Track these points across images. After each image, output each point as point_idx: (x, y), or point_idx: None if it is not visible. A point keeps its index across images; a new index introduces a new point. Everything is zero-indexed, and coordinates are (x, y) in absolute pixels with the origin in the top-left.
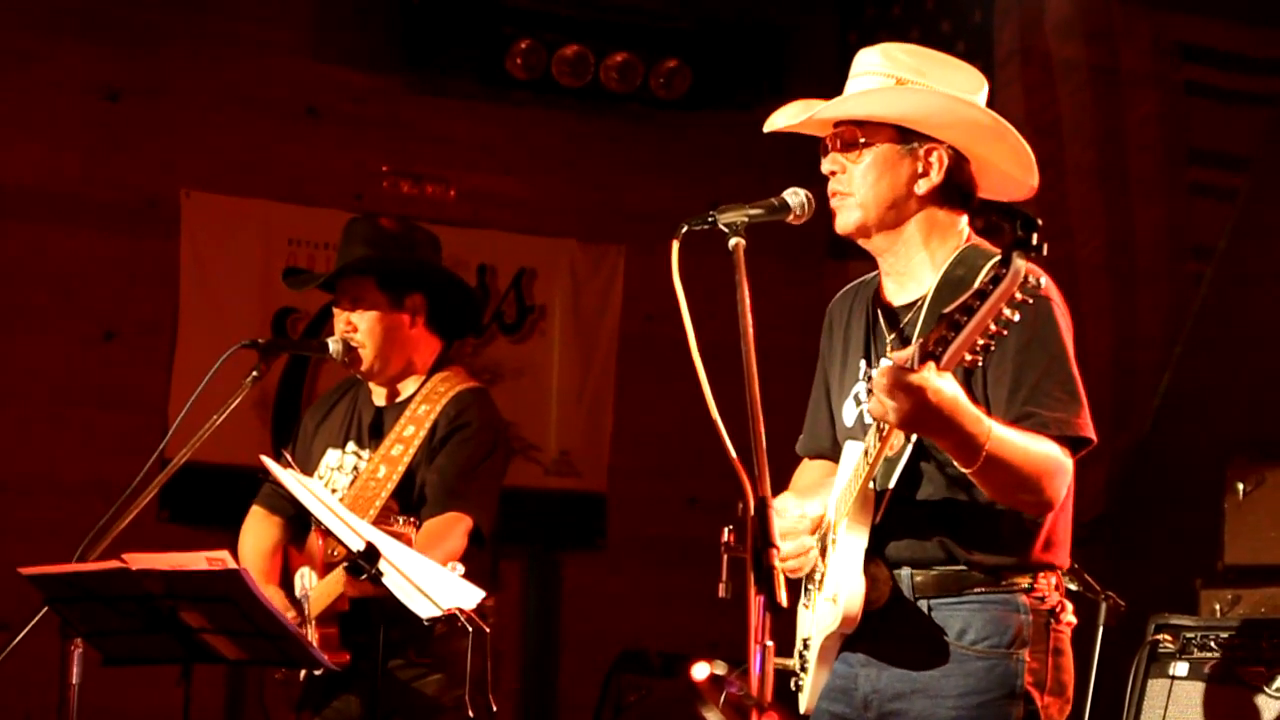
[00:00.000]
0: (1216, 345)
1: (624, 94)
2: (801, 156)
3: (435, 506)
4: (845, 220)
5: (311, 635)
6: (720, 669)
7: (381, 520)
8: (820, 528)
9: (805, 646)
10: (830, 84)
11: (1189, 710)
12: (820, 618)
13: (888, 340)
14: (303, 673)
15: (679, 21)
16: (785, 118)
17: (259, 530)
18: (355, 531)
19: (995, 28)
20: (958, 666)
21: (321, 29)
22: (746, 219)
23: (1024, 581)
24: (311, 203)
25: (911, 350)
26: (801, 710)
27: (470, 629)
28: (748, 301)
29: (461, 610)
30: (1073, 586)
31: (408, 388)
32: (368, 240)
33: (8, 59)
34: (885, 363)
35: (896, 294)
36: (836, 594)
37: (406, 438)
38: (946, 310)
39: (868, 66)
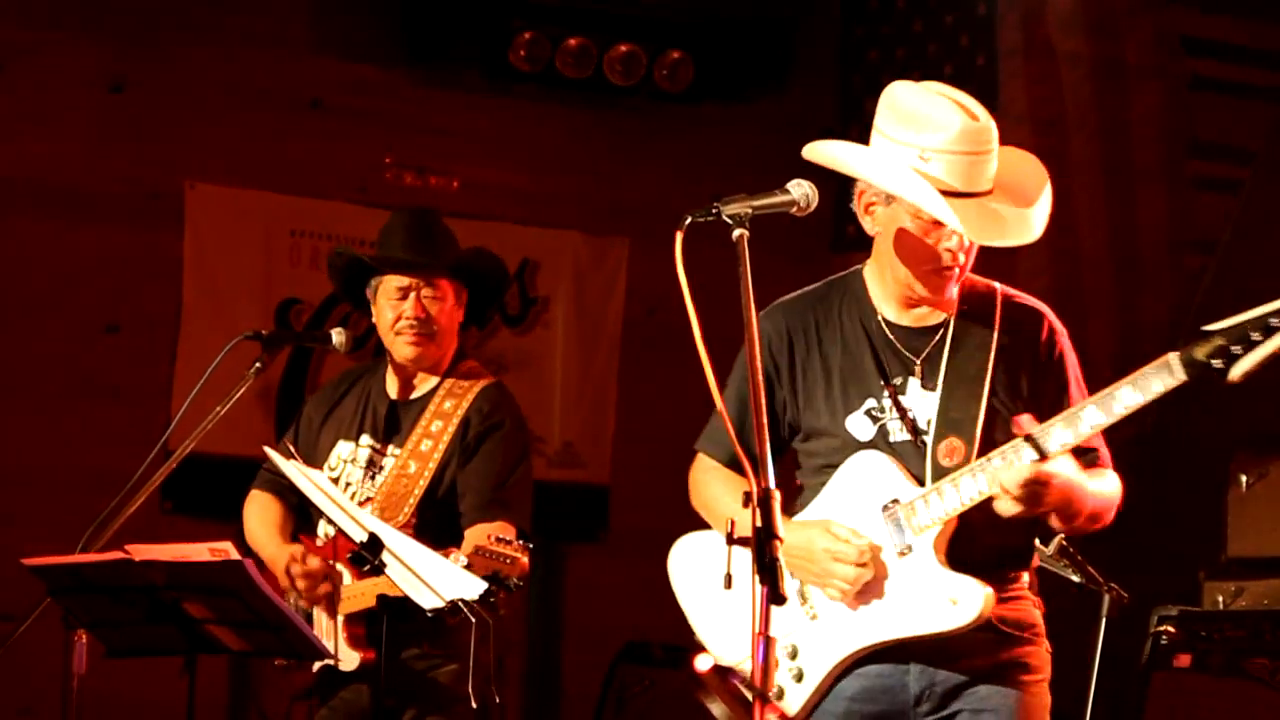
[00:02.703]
0: None
1: (627, 86)
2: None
3: (480, 514)
4: (952, 292)
5: (340, 633)
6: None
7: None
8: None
9: (793, 655)
10: (832, 76)
11: (1191, 702)
12: (872, 625)
13: (916, 364)
14: (316, 664)
15: (682, 14)
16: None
17: (264, 507)
18: (358, 522)
19: (999, 21)
20: (1013, 651)
21: (326, 21)
22: (750, 210)
23: (1026, 577)
24: (315, 195)
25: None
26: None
27: (474, 620)
28: (751, 293)
29: (464, 601)
30: (1075, 578)
31: (427, 382)
32: (435, 230)
33: (11, 51)
34: (1025, 464)
35: (902, 317)
36: (957, 598)
37: (435, 433)
38: (1226, 326)
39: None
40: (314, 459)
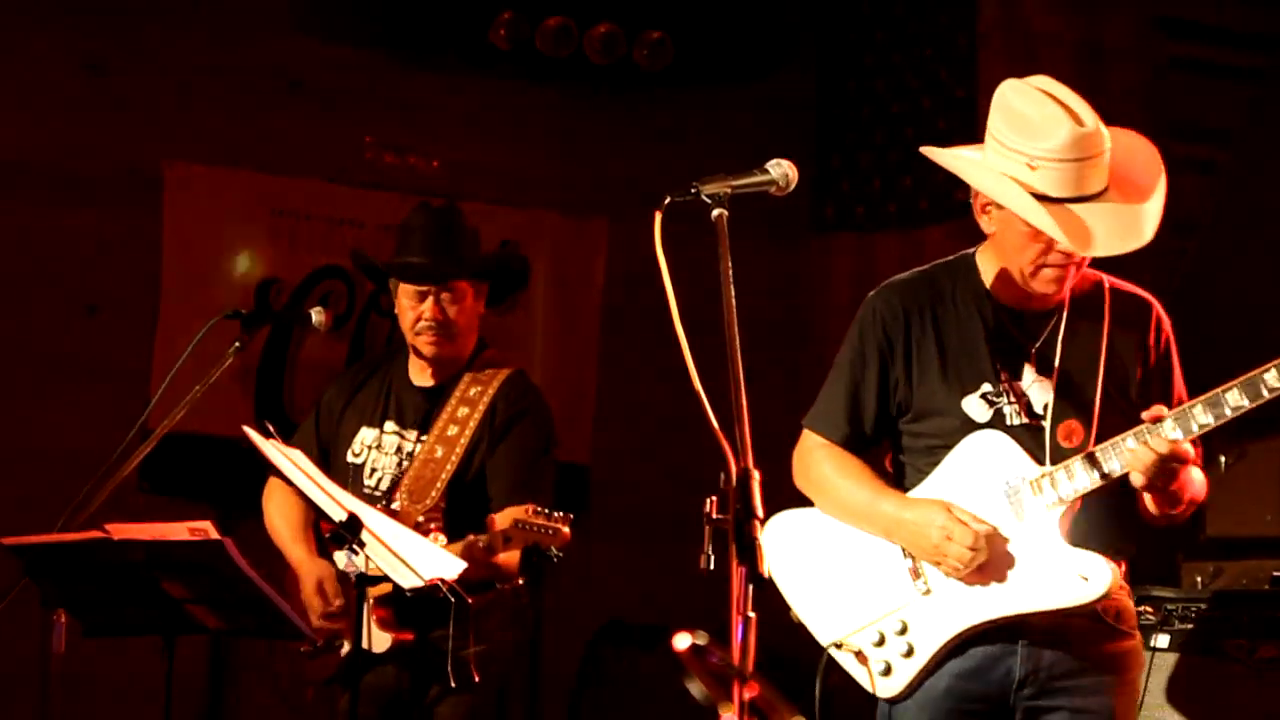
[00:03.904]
0: (1198, 320)
1: (607, 66)
2: (784, 128)
3: (508, 498)
4: (1065, 290)
5: (370, 616)
6: (702, 639)
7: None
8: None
9: (902, 631)
10: (812, 56)
11: (1170, 682)
12: (994, 600)
13: (1031, 350)
14: (344, 648)
15: None
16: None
17: (285, 499)
18: (337, 502)
19: (979, 1)
20: (1114, 644)
21: (305, 1)
22: (729, 190)
23: (1125, 569)
24: (295, 174)
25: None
26: (890, 695)
27: (453, 600)
28: (730, 273)
29: (443, 581)
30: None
31: (451, 371)
32: (454, 231)
33: None
34: (1170, 428)
35: (1017, 303)
36: (1088, 574)
37: (461, 419)
38: None
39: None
40: (336, 446)
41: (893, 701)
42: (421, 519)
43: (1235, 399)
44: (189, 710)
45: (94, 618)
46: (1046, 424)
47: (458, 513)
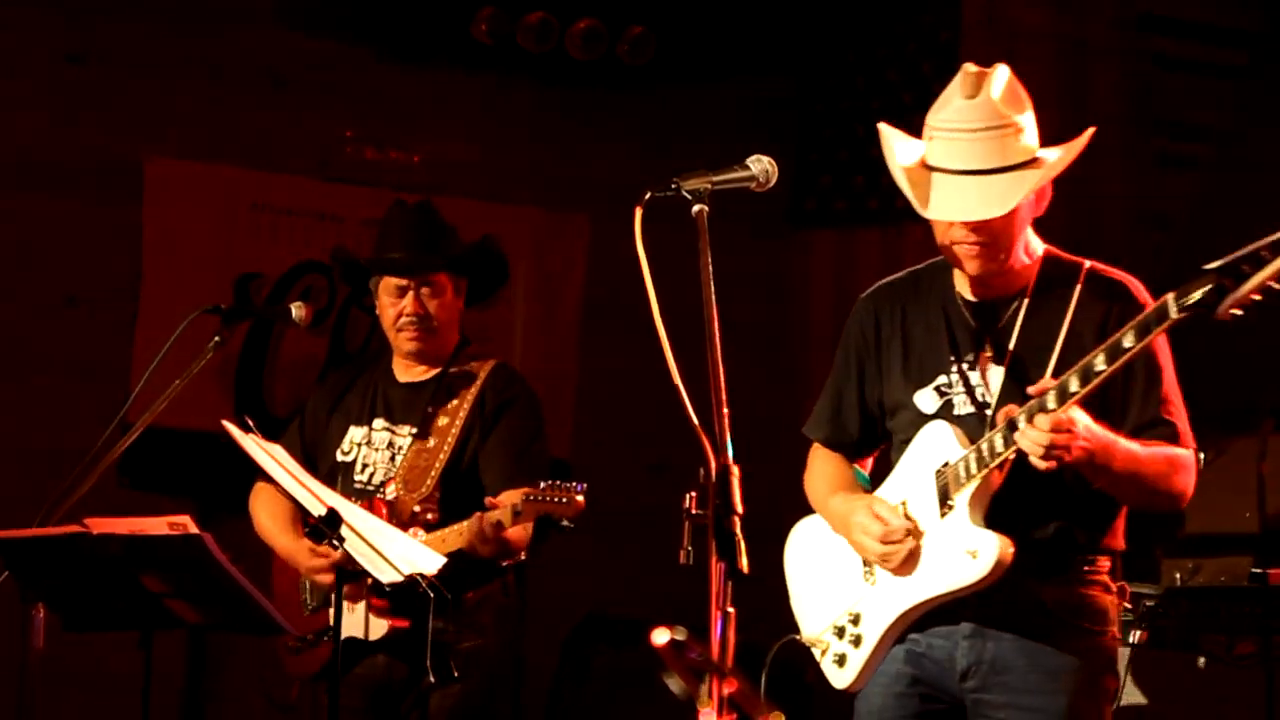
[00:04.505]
0: None
1: (589, 61)
2: (765, 125)
3: (505, 484)
4: (992, 270)
5: (363, 602)
6: (681, 635)
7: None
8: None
9: (854, 621)
10: (793, 51)
11: (1150, 678)
12: (913, 587)
13: (987, 340)
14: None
15: None
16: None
17: (272, 497)
18: (316, 497)
19: None
20: (1068, 642)
21: None
22: (709, 186)
23: (1107, 564)
24: (275, 169)
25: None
26: (845, 685)
27: (432, 595)
28: (710, 268)
29: (423, 576)
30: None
31: (435, 366)
32: (431, 226)
33: None
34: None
35: (978, 295)
36: (976, 550)
37: (451, 409)
38: (1220, 263)
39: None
40: (323, 450)
41: (849, 692)
42: (418, 508)
43: (1098, 363)
44: (168, 704)
45: (73, 612)
46: (991, 412)
47: (452, 501)
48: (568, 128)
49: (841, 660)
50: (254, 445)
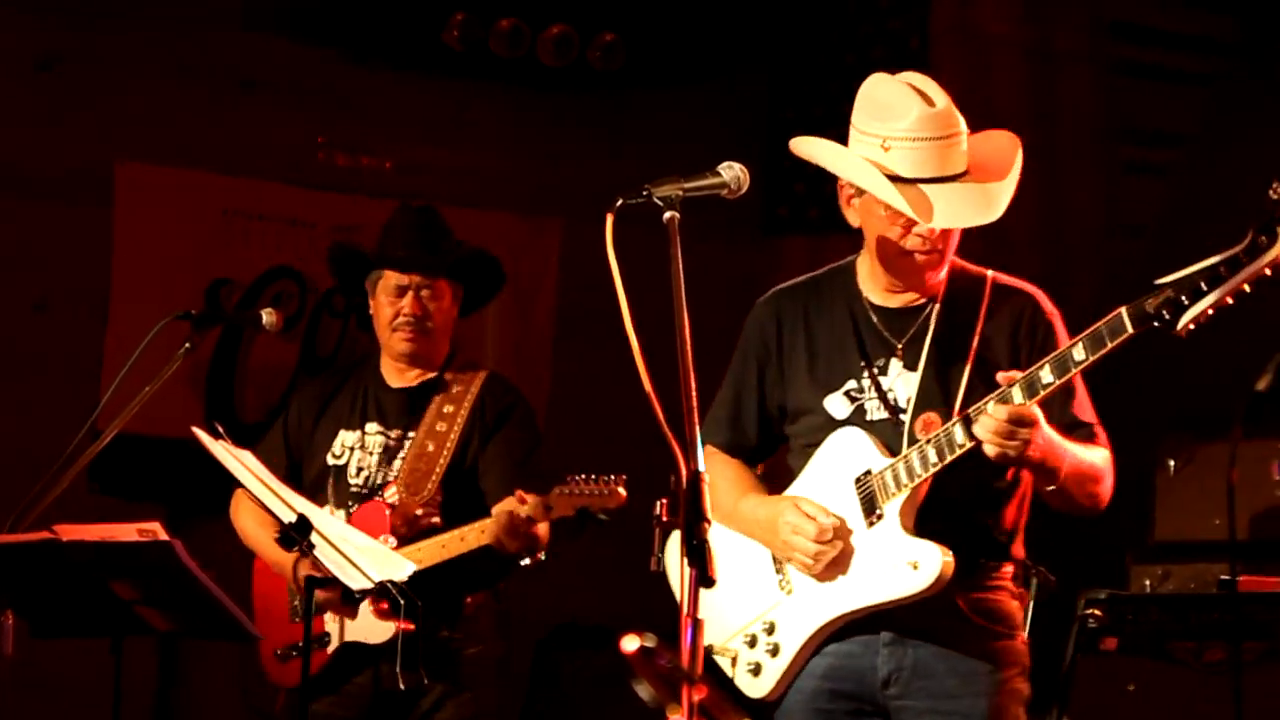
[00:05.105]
0: None
1: (560, 67)
2: (737, 132)
3: (508, 489)
4: (934, 278)
5: (367, 605)
6: (650, 642)
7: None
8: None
9: (769, 630)
10: (765, 57)
11: (1119, 685)
12: (841, 595)
13: (899, 345)
14: (331, 648)
15: None
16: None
17: (253, 507)
18: (286, 504)
19: (931, 4)
20: (983, 644)
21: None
22: (681, 193)
23: (1011, 570)
24: (247, 174)
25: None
26: (761, 695)
27: (402, 601)
28: (681, 275)
29: (392, 583)
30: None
31: (428, 372)
32: (436, 230)
33: None
34: (1001, 404)
35: (887, 301)
36: (917, 561)
37: (448, 415)
38: (1176, 278)
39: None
40: (310, 455)
41: (765, 702)
42: (420, 511)
43: (1045, 375)
44: (138, 712)
45: (42, 619)
46: (907, 417)
47: (454, 504)
48: (539, 134)
49: (757, 670)
50: (224, 452)
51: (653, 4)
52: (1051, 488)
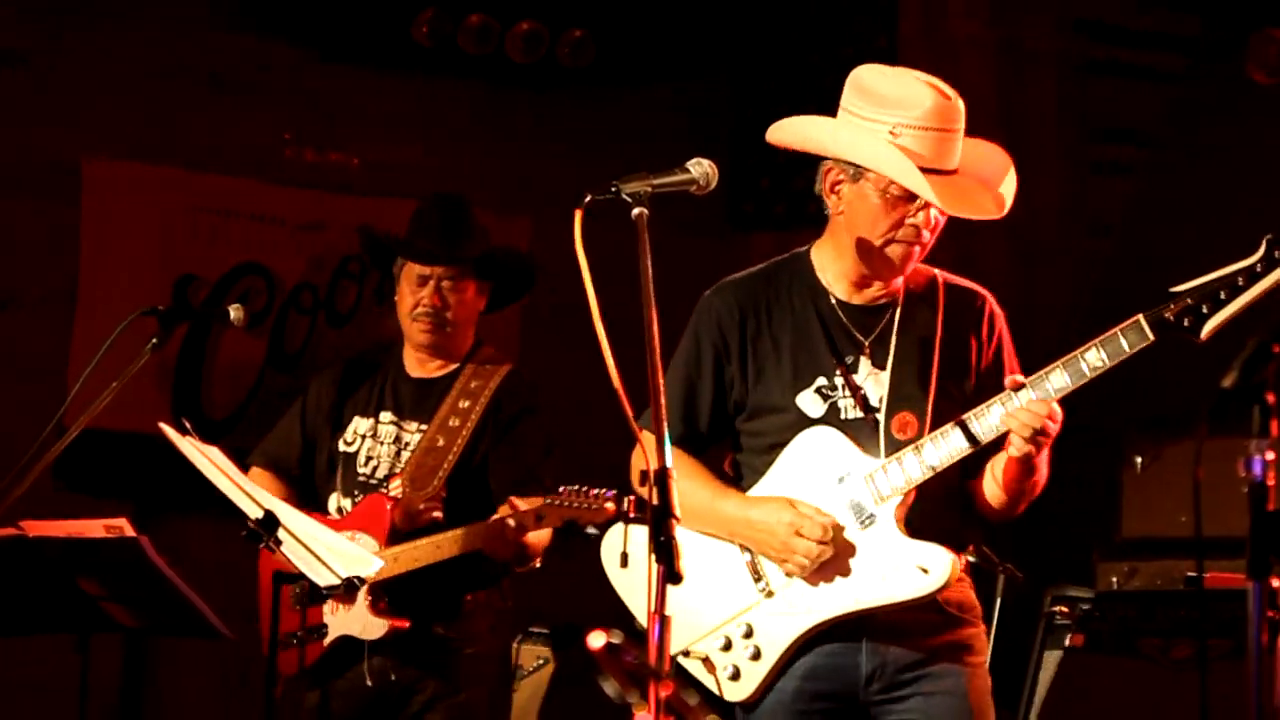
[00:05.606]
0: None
1: (529, 64)
2: (705, 126)
3: (517, 491)
4: (908, 270)
5: (363, 600)
6: (617, 639)
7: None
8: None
9: (748, 634)
10: (731, 54)
11: (1085, 681)
12: (836, 597)
13: (866, 343)
14: (328, 640)
15: None
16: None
17: (265, 488)
18: (254, 499)
19: (899, 3)
20: (958, 632)
21: None
22: (649, 189)
23: (966, 561)
24: (214, 170)
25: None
26: (741, 698)
27: (385, 598)
28: (650, 271)
29: (359, 579)
30: (971, 559)
31: (450, 364)
32: (464, 222)
33: None
34: (1031, 395)
35: (853, 297)
36: (926, 565)
37: (462, 410)
38: (1192, 286)
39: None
40: (325, 438)
41: (745, 706)
42: (423, 506)
43: (1094, 358)
44: (104, 709)
45: (8, 615)
46: (881, 417)
47: (458, 501)
48: (508, 130)
49: (736, 674)
50: (190, 447)
51: (622, 2)
52: (1027, 479)
